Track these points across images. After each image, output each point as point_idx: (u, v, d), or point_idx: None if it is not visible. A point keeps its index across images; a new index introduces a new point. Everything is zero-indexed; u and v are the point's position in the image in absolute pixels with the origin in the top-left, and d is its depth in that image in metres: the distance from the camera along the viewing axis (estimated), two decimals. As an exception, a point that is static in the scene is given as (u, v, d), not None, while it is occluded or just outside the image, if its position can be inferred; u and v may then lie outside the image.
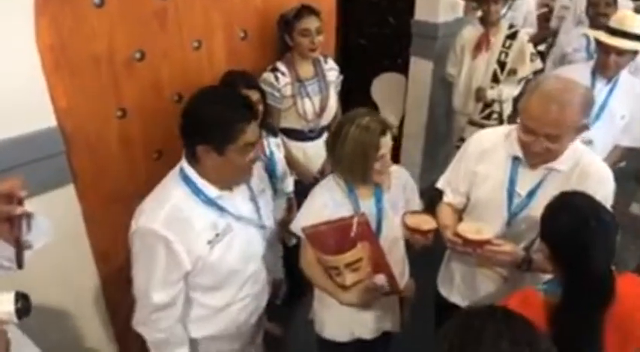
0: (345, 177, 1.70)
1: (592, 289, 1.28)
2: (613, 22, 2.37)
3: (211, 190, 1.50)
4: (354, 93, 4.34)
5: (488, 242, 1.63)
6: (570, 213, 1.34)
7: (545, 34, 4.43)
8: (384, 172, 1.67)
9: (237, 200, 1.59)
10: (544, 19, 4.60)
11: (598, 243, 1.28)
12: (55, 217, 1.87)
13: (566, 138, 1.54)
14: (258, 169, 1.73)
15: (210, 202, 1.50)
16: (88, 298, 2.15)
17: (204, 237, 1.48)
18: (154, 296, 1.47)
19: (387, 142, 1.62)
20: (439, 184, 1.92)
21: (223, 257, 1.52)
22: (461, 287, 1.93)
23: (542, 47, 4.45)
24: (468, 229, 1.65)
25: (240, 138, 1.42)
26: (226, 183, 1.55)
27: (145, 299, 1.50)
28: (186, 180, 1.49)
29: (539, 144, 1.53)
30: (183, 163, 1.51)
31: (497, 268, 1.79)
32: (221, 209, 1.53)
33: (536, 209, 1.64)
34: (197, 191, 1.49)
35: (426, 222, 1.69)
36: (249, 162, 1.51)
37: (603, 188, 1.60)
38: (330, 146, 1.68)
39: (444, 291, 2.01)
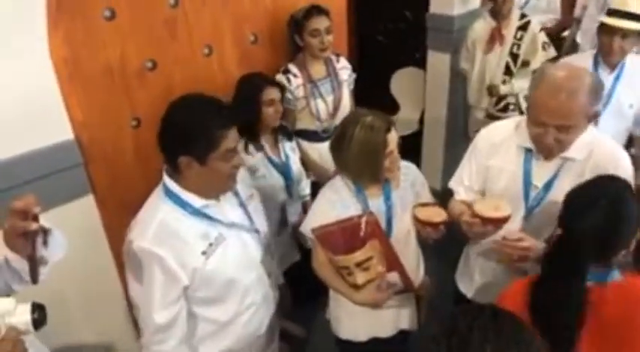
0: (355, 178, 1.68)
1: (570, 253, 1.25)
2: (615, 4, 2.26)
3: (196, 200, 1.48)
4: (374, 90, 4.32)
5: (507, 219, 1.56)
6: (595, 189, 1.32)
7: (569, 20, 4.30)
8: (394, 168, 1.65)
9: (226, 207, 1.57)
10: (569, 4, 4.47)
11: (600, 215, 1.24)
12: (75, 228, 1.95)
13: (578, 127, 1.49)
14: (243, 175, 1.72)
15: (197, 213, 1.48)
16: (112, 307, 2.20)
17: (198, 248, 1.46)
18: (155, 316, 1.44)
19: (393, 138, 1.60)
20: (451, 184, 1.87)
21: (220, 266, 1.50)
22: (480, 284, 1.89)
23: (566, 33, 4.33)
24: (486, 207, 1.58)
25: (221, 144, 1.40)
26: (211, 194, 1.52)
27: (147, 320, 1.47)
28: (170, 194, 1.47)
29: (550, 136, 1.49)
30: (165, 177, 1.49)
31: (519, 264, 1.74)
32: (210, 218, 1.50)
33: (554, 200, 1.60)
34: (182, 203, 1.46)
35: (437, 215, 1.65)
36: (232, 168, 1.47)
37: (622, 173, 1.56)
38: (336, 150, 1.65)
39: (463, 288, 1.98)
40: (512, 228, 1.65)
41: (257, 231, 1.65)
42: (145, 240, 1.40)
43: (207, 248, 1.48)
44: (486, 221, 1.56)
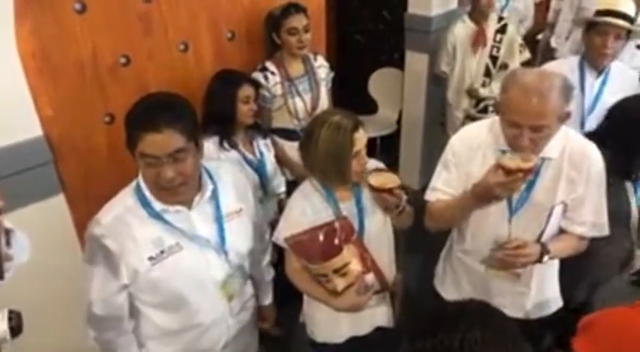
0: (323, 180, 1.66)
1: None
2: (605, 5, 2.26)
3: (157, 203, 1.41)
4: (352, 90, 4.32)
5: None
6: None
7: (541, 24, 4.38)
8: (362, 170, 1.62)
9: (194, 217, 1.46)
10: (545, 8, 4.55)
11: None
12: (45, 228, 1.89)
13: (551, 128, 1.50)
14: (241, 186, 1.62)
15: (156, 216, 1.41)
16: (83, 307, 2.13)
17: (146, 252, 1.40)
18: (93, 305, 1.45)
19: (360, 138, 1.58)
20: (428, 196, 1.77)
21: (168, 277, 1.43)
22: (471, 292, 1.84)
23: (539, 36, 4.41)
24: (515, 162, 1.48)
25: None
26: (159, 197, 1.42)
27: (88, 307, 1.47)
28: (138, 190, 1.43)
29: (525, 137, 1.49)
30: (140, 173, 1.43)
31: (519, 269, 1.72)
32: (169, 225, 1.42)
33: (538, 200, 1.62)
34: (145, 203, 1.41)
35: (391, 180, 1.60)
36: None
37: (595, 166, 1.62)
38: (304, 150, 1.63)
39: (449, 296, 1.91)
40: (500, 232, 1.65)
41: (226, 252, 1.53)
42: (99, 228, 1.39)
43: (156, 254, 1.41)
44: (528, 171, 1.49)
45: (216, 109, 2.16)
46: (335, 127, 1.55)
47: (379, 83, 4.40)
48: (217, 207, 1.51)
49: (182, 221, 1.44)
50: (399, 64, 3.89)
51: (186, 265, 1.45)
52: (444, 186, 1.73)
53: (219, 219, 1.51)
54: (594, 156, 1.63)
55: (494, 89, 3.18)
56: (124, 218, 1.40)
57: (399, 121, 4.06)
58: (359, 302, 1.65)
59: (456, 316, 0.87)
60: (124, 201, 1.43)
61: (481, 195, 1.57)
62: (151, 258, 1.40)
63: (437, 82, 3.57)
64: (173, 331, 1.54)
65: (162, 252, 1.41)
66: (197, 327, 1.55)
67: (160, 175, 1.33)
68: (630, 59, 2.86)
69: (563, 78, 1.52)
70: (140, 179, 1.43)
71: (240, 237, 1.58)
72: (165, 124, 1.29)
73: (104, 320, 1.47)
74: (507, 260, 1.61)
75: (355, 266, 1.61)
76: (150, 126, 1.29)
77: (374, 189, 1.60)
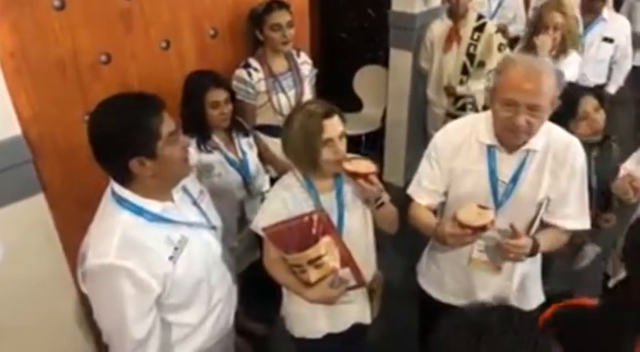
0: (297, 166, 1.69)
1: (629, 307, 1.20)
2: None
3: (154, 206, 1.41)
4: (337, 88, 4.32)
5: (493, 221, 1.55)
6: None
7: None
8: (338, 160, 1.61)
9: (182, 208, 1.51)
10: (525, 6, 4.59)
11: None
12: (25, 229, 1.86)
13: (545, 111, 1.52)
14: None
15: (157, 218, 1.42)
16: (66, 311, 2.10)
17: (164, 254, 1.41)
18: (133, 331, 1.38)
19: (332, 125, 1.59)
20: (410, 191, 1.80)
21: (188, 268, 1.46)
22: (454, 288, 1.86)
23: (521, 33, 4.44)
24: (471, 216, 1.55)
25: (162, 129, 1.34)
26: (170, 186, 1.47)
27: (123, 339, 1.40)
28: (123, 202, 1.39)
29: (522, 117, 1.49)
30: (115, 187, 1.40)
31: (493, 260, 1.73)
32: (170, 221, 1.45)
33: (523, 193, 1.64)
34: (140, 211, 1.39)
35: (364, 166, 1.62)
36: (182, 151, 1.42)
37: (579, 159, 1.65)
38: (282, 136, 1.68)
39: (434, 293, 1.93)
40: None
41: (214, 228, 1.62)
42: (109, 255, 1.32)
43: (173, 252, 1.42)
44: (478, 229, 1.54)
45: (189, 113, 2.13)
46: (306, 113, 1.60)
47: (364, 80, 4.41)
48: (189, 193, 1.58)
49: (177, 215, 1.47)
50: (384, 61, 3.90)
51: (196, 252, 1.50)
52: (428, 183, 1.75)
53: (195, 202, 1.59)
54: (577, 151, 1.65)
55: (471, 87, 3.21)
56: (129, 234, 1.35)
57: (383, 119, 4.07)
58: (331, 294, 1.66)
59: (501, 334, 0.85)
60: (117, 219, 1.37)
61: (437, 238, 1.67)
62: (171, 258, 1.41)
63: (422, 79, 3.59)
64: (199, 321, 1.57)
65: (176, 248, 1.43)
66: (218, 305, 1.62)
67: (186, 145, 1.47)
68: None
69: (554, 66, 1.56)
70: (121, 191, 1.39)
71: (214, 213, 1.67)
72: (157, 102, 1.39)
73: (145, 341, 1.41)
74: (507, 251, 1.59)
75: (330, 258, 1.62)
76: (158, 106, 1.38)
77: (348, 174, 1.63)
